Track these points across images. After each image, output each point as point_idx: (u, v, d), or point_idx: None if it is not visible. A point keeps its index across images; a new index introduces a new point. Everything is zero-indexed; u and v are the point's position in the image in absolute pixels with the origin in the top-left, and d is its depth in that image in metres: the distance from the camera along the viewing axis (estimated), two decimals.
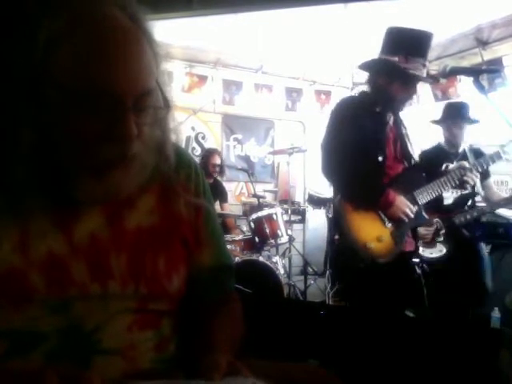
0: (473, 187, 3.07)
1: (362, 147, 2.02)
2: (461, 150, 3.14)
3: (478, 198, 3.19)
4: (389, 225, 2.08)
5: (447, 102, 3.77)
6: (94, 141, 0.65)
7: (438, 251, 2.99)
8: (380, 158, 2.08)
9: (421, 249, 2.99)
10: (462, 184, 2.24)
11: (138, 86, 0.66)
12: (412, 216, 2.10)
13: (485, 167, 2.33)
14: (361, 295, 2.05)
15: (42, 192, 0.69)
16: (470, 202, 3.11)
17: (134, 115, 0.66)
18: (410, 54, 2.05)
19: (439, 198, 3.00)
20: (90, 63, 0.63)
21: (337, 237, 2.08)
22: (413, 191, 2.17)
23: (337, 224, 2.10)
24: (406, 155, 2.23)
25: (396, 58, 2.05)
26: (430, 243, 2.98)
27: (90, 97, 0.63)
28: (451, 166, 3.06)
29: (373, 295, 2.04)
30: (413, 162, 2.25)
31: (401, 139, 2.21)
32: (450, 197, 3.07)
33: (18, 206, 0.67)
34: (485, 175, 3.15)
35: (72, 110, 0.63)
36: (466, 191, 3.05)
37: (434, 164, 2.95)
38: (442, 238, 2.98)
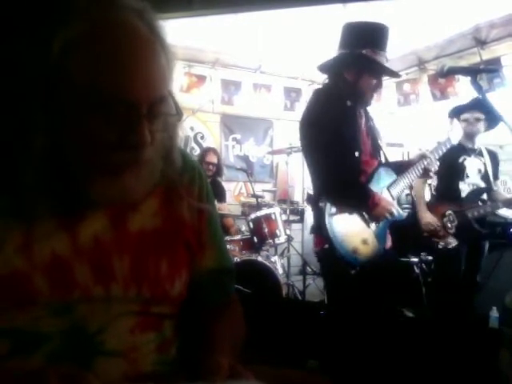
0: (487, 182, 3.09)
1: (343, 148, 2.00)
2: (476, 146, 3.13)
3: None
4: (372, 225, 2.07)
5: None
6: (106, 146, 0.65)
7: (448, 243, 2.99)
8: (357, 155, 2.06)
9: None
10: (425, 172, 2.24)
11: (152, 93, 0.67)
12: (396, 212, 2.11)
13: (440, 153, 2.35)
14: (358, 300, 2.03)
15: (50, 195, 0.68)
16: (483, 197, 3.11)
17: (148, 122, 0.67)
18: (376, 48, 2.05)
19: (457, 190, 3.04)
20: (106, 69, 0.63)
21: (327, 246, 2.03)
22: (388, 187, 2.17)
23: (321, 229, 2.03)
24: (378, 150, 2.22)
25: (364, 51, 2.04)
26: (442, 235, 2.99)
27: (105, 102, 0.63)
28: (468, 158, 3.09)
29: (370, 299, 2.02)
30: (383, 156, 2.24)
31: (372, 133, 2.19)
32: (465, 190, 3.08)
33: (22, 208, 0.67)
34: (495, 176, 3.17)
35: (86, 114, 0.63)
36: (481, 186, 3.08)
37: (452, 158, 2.99)
38: (453, 230, 3.00)
